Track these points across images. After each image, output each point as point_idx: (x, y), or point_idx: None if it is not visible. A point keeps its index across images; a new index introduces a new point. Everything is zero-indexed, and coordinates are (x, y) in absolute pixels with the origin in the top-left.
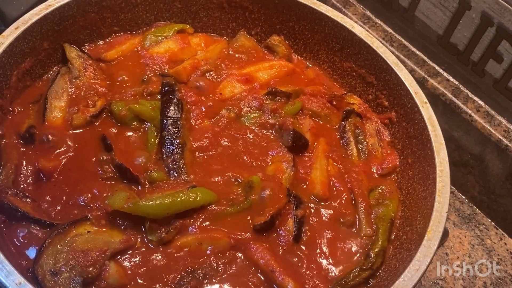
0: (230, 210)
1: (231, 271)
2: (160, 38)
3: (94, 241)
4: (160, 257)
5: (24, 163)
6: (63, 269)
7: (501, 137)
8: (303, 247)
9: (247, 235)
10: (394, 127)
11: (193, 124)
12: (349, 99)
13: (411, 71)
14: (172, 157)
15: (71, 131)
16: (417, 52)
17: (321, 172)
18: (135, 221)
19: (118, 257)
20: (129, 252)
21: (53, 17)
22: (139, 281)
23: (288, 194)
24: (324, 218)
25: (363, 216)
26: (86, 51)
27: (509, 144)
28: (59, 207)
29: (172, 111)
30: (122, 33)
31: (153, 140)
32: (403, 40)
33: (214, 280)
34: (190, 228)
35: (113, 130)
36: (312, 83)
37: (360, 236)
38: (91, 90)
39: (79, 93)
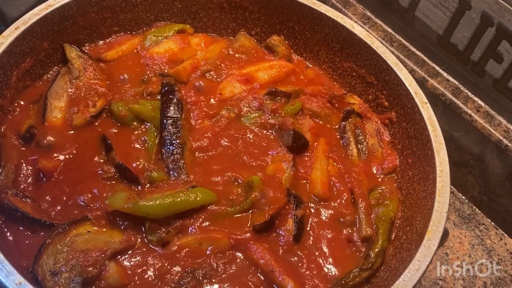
0: (230, 210)
1: (231, 271)
2: (160, 38)
3: (94, 241)
4: (160, 257)
5: (24, 163)
6: (63, 269)
7: (501, 137)
8: (303, 247)
9: (247, 235)
10: (394, 127)
11: (193, 124)
12: (349, 99)
13: (411, 71)
14: (172, 157)
15: (71, 131)
16: (417, 52)
17: (321, 172)
18: (135, 221)
19: (118, 257)
20: (129, 252)
21: (53, 17)
22: (139, 281)
23: (288, 194)
24: (324, 218)
25: (363, 216)
26: (86, 51)
27: (509, 144)
28: (59, 207)
29: (172, 111)
30: (122, 33)
31: (153, 140)
32: (403, 40)
33: (214, 280)
34: (190, 228)
35: (113, 130)
36: (312, 83)
37: (360, 236)
38: (91, 90)
39: (79, 93)
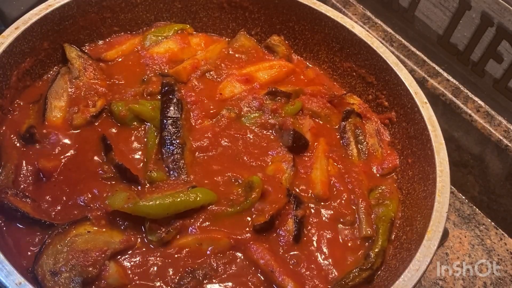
0: (230, 210)
1: (231, 271)
2: (160, 38)
3: (94, 241)
4: (160, 257)
5: (24, 163)
6: (63, 269)
7: (501, 137)
8: (303, 247)
9: (247, 235)
10: (394, 127)
11: (193, 124)
12: (349, 99)
13: (411, 71)
14: (172, 157)
15: (71, 131)
16: (417, 52)
17: (321, 172)
18: (135, 221)
19: (118, 257)
20: (129, 252)
21: (53, 17)
22: (139, 281)
23: (288, 194)
24: (324, 218)
25: (363, 216)
26: (86, 51)
27: (509, 144)
28: (59, 207)
29: (172, 111)
30: (122, 33)
31: (153, 140)
32: (403, 40)
33: (214, 280)
34: (190, 228)
35: (113, 130)
36: (312, 83)
37: (360, 236)
38: (91, 90)
39: (79, 93)
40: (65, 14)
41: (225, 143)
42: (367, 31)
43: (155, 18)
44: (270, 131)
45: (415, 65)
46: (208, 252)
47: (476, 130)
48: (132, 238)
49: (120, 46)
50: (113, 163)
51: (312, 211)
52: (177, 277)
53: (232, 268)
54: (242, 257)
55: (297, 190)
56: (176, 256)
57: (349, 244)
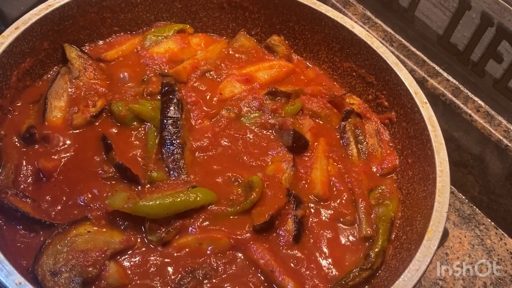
0: (230, 210)
1: (231, 271)
2: (160, 38)
3: (94, 241)
4: (160, 257)
5: (24, 163)
6: (63, 269)
7: (501, 137)
8: (303, 247)
9: (247, 235)
10: (394, 127)
11: (193, 124)
12: (349, 99)
13: (411, 71)
14: (172, 157)
15: (71, 131)
16: (417, 52)
17: (321, 172)
18: (135, 221)
19: (118, 257)
20: (129, 252)
21: (53, 17)
22: (139, 281)
23: (288, 194)
24: (324, 218)
25: (363, 216)
26: (86, 51)
27: (509, 144)
28: (59, 207)
29: (172, 111)
30: (122, 33)
31: (153, 140)
32: (403, 40)
33: (214, 280)
34: (190, 228)
35: (113, 130)
36: (312, 83)
37: (360, 236)
38: (91, 90)
39: (79, 93)
40: (65, 14)
41: (225, 143)
42: (367, 31)
43: (155, 18)
44: (270, 131)
45: (415, 65)
46: (208, 252)
47: (476, 130)
48: (132, 238)
49: (120, 46)
50: (113, 163)
51: (312, 211)
52: (177, 277)
53: (232, 268)
54: (242, 257)
55: (297, 190)
56: (176, 256)
57: (349, 244)
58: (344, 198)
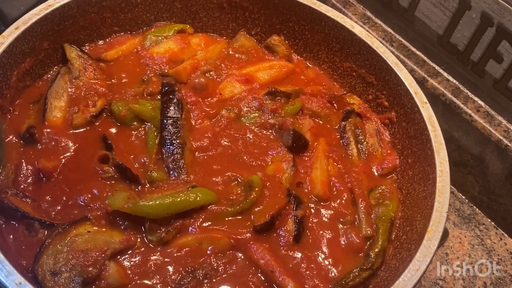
0: (230, 210)
1: (231, 271)
2: (160, 38)
3: (94, 241)
4: (160, 257)
5: (24, 163)
6: (63, 269)
7: (501, 137)
8: (303, 248)
9: (247, 235)
10: (394, 127)
11: (193, 124)
12: (349, 99)
13: (411, 71)
14: (172, 157)
15: (71, 131)
16: (417, 52)
17: (321, 172)
18: (135, 221)
19: (118, 257)
20: (129, 252)
21: (53, 17)
22: (139, 281)
23: (288, 194)
24: (324, 218)
25: (363, 216)
26: (86, 51)
27: (509, 144)
28: (59, 207)
29: (172, 111)
30: (122, 33)
31: (153, 140)
32: (403, 40)
33: (214, 280)
34: (190, 228)
35: (113, 130)
36: (312, 83)
37: (360, 236)
38: (91, 90)
39: (79, 93)
40: (65, 14)
41: (225, 143)
42: (367, 31)
43: (155, 18)
44: (270, 131)
45: (415, 65)
46: (208, 252)
47: (476, 130)
48: (132, 238)
49: (120, 46)
50: (113, 163)
51: (312, 211)
52: (178, 277)
53: (232, 268)
54: (242, 257)
55: (297, 190)
56: (176, 255)
57: (349, 244)
58: (344, 198)
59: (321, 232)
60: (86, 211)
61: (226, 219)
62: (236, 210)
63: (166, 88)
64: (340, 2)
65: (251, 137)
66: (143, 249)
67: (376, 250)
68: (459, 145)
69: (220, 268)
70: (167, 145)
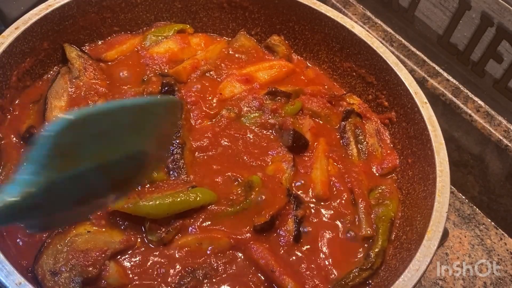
0: (230, 210)
1: (231, 271)
2: (160, 38)
3: (94, 241)
4: (160, 257)
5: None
6: (63, 269)
7: (501, 137)
8: (303, 247)
9: (247, 235)
10: (394, 127)
11: (193, 124)
12: (349, 99)
13: (411, 71)
14: (172, 157)
15: None
16: (417, 52)
17: (322, 172)
18: (135, 221)
19: (118, 257)
20: (129, 252)
21: (53, 17)
22: (139, 281)
23: (288, 194)
24: (324, 218)
25: (363, 216)
26: (86, 51)
27: (509, 144)
28: None
29: None
30: (122, 33)
31: None
32: (403, 40)
33: (214, 280)
34: (190, 228)
35: None
36: (312, 83)
37: (360, 236)
38: (91, 90)
39: (79, 93)
40: (65, 14)
41: (225, 143)
42: (367, 31)
43: (155, 18)
44: (270, 131)
45: (415, 65)
46: (208, 252)
47: (476, 130)
48: (132, 238)
49: (120, 46)
50: None
51: (312, 211)
52: (177, 277)
53: (232, 268)
54: (242, 257)
55: (297, 190)
56: (176, 255)
57: (349, 244)
58: (344, 198)
59: (321, 232)
60: None
61: (226, 219)
62: (236, 210)
63: (166, 88)
64: (340, 2)
65: (251, 137)
66: (143, 249)
67: (376, 250)
68: (459, 145)
69: (220, 268)
70: None
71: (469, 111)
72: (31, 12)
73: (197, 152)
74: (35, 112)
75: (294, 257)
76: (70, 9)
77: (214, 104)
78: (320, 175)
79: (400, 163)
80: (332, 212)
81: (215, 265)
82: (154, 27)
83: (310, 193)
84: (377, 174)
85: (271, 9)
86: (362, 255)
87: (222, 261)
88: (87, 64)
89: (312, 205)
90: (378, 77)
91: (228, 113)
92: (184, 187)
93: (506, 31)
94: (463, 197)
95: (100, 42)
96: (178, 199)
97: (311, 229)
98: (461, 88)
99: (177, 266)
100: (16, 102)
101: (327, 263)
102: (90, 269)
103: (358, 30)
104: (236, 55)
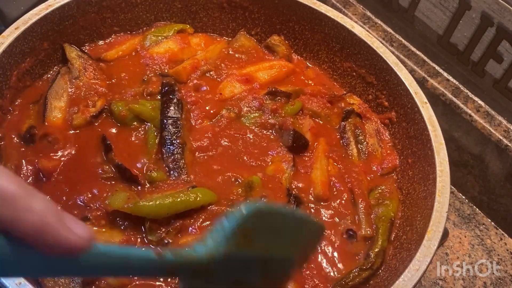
0: (230, 210)
1: None
2: (160, 38)
3: None
4: None
5: (24, 163)
6: None
7: (501, 137)
8: None
9: None
10: (394, 127)
11: (193, 124)
12: (349, 99)
13: (411, 71)
14: (172, 157)
15: (71, 131)
16: (417, 52)
17: (322, 172)
18: (135, 221)
19: None
20: None
21: (53, 17)
22: (139, 281)
23: (288, 194)
24: (324, 218)
25: (363, 216)
26: (86, 51)
27: (509, 144)
28: (59, 207)
29: (172, 111)
30: (122, 33)
31: (153, 140)
32: (403, 40)
33: None
34: (190, 228)
35: (113, 130)
36: (312, 83)
37: (360, 236)
38: (91, 90)
39: (79, 93)
40: (65, 14)
41: (225, 143)
42: (367, 31)
43: (155, 18)
44: (270, 131)
45: (415, 65)
46: None
47: (476, 130)
48: (132, 238)
49: (120, 46)
50: (113, 163)
51: (312, 211)
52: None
53: None
54: None
55: (297, 190)
56: None
57: (349, 244)
58: (344, 198)
59: None
60: (86, 211)
61: None
62: None
63: (166, 88)
64: (340, 2)
65: (251, 137)
66: (142, 249)
67: (376, 250)
68: (459, 145)
69: None
70: (167, 145)
71: (469, 111)
72: (31, 12)
73: (197, 152)
74: (35, 112)
75: None
76: (70, 9)
77: (214, 104)
78: (320, 175)
79: (400, 163)
80: (332, 212)
81: None
82: (154, 27)
83: (310, 193)
84: (377, 174)
85: (271, 9)
86: (362, 255)
87: None
88: (87, 64)
89: (312, 205)
90: (378, 77)
91: (228, 113)
92: (184, 187)
93: (506, 31)
94: (463, 197)
95: (100, 42)
96: (178, 199)
97: None
98: (461, 88)
99: None
100: (16, 102)
101: (327, 263)
102: None
103: (358, 30)
104: (236, 55)
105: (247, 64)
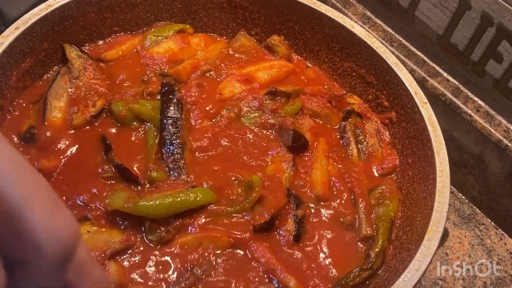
0: (230, 210)
1: (230, 268)
2: (160, 38)
3: (94, 241)
4: (159, 256)
5: None
6: None
7: (501, 137)
8: (303, 247)
9: (247, 234)
10: (394, 127)
11: (193, 124)
12: (349, 99)
13: (411, 71)
14: (172, 157)
15: (71, 131)
16: (417, 52)
17: (322, 172)
18: (135, 221)
19: (118, 257)
20: (129, 252)
21: (53, 17)
22: (139, 280)
23: (288, 194)
24: (324, 218)
25: (363, 216)
26: (86, 51)
27: (509, 144)
28: None
29: (172, 111)
30: (122, 33)
31: (153, 140)
32: (403, 40)
33: (213, 276)
34: (190, 227)
35: (113, 130)
36: (312, 83)
37: (360, 236)
38: (91, 90)
39: (79, 93)
40: (65, 14)
41: (225, 143)
42: (367, 31)
43: (155, 18)
44: (270, 131)
45: (415, 65)
46: (208, 251)
47: (476, 130)
48: (132, 238)
49: (120, 46)
50: (113, 163)
51: (312, 211)
52: (177, 275)
53: (232, 264)
54: (242, 253)
55: (297, 190)
56: (175, 255)
57: (349, 244)
58: (344, 198)
59: (321, 232)
60: (85, 211)
61: (226, 219)
62: (236, 210)
63: (166, 88)
64: (340, 2)
65: (251, 137)
66: (142, 248)
67: (376, 250)
68: (459, 145)
69: (219, 265)
70: (167, 145)
71: (469, 111)
72: (31, 12)
73: (197, 152)
74: (35, 112)
75: (294, 257)
76: (70, 9)
77: (214, 104)
78: (320, 175)
79: (400, 163)
80: (332, 212)
81: (214, 262)
82: (154, 27)
83: (310, 193)
84: (377, 174)
85: (271, 9)
86: (362, 255)
87: (222, 258)
88: (87, 64)
89: (312, 205)
90: (378, 77)
91: (228, 113)
92: (184, 187)
93: (506, 31)
94: (463, 197)
95: (100, 42)
96: (178, 199)
97: (311, 229)
98: (461, 88)
99: (177, 265)
100: (16, 102)
101: (327, 262)
102: None
103: (358, 30)
104: (236, 55)
105: (247, 64)
